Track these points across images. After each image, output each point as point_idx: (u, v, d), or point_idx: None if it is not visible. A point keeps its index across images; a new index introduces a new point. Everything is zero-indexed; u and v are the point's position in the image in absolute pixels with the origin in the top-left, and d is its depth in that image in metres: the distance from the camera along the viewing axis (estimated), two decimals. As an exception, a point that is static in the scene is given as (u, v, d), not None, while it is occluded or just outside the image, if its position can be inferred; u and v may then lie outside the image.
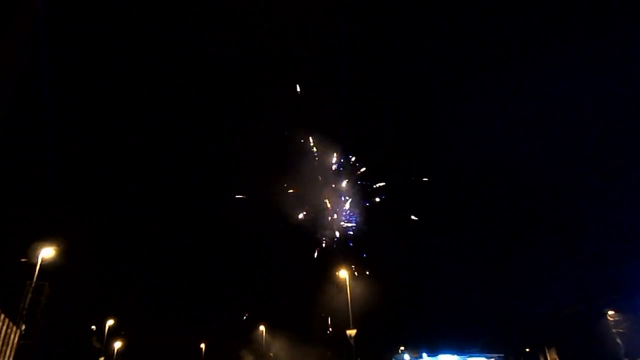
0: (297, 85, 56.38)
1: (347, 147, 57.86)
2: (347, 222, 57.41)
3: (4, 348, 20.73)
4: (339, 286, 38.88)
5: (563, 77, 44.77)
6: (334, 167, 58.15)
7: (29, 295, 24.30)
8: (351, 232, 57.93)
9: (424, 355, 41.45)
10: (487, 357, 37.36)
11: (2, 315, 20.23)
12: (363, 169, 58.33)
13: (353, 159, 58.48)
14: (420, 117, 61.92)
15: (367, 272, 52.28)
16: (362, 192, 58.48)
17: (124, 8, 44.14)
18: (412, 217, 56.54)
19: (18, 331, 22.68)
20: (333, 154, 57.75)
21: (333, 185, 58.07)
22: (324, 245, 57.51)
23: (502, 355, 38.72)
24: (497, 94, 53.28)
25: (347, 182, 58.36)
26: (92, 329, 46.77)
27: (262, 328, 56.57)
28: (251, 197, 55.15)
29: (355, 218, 57.61)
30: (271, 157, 55.50)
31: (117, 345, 51.02)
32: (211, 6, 50.51)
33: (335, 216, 58.04)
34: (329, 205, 57.47)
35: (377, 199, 57.87)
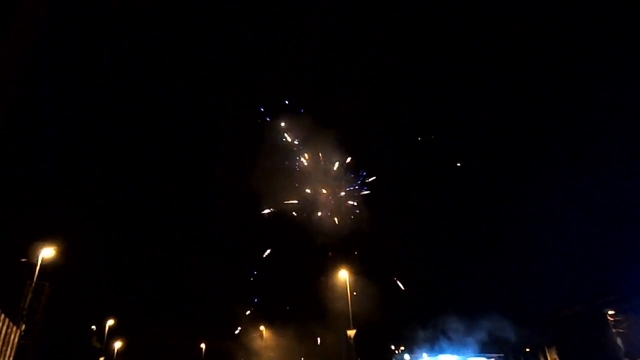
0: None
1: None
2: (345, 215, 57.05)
3: (4, 348, 20.74)
4: (337, 286, 38.96)
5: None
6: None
7: (29, 295, 24.31)
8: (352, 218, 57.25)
9: (424, 355, 41.49)
10: (487, 357, 37.36)
11: (2, 315, 20.24)
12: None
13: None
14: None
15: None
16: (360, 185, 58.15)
17: (125, 8, 44.17)
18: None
19: (18, 331, 22.69)
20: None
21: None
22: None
23: (502, 355, 38.70)
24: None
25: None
26: (92, 329, 46.81)
27: (262, 328, 56.64)
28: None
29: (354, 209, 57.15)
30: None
31: (117, 345, 51.06)
32: (212, 8, 50.63)
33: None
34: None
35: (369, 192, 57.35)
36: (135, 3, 42.77)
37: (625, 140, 38.54)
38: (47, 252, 25.46)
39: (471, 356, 36.93)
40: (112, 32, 44.46)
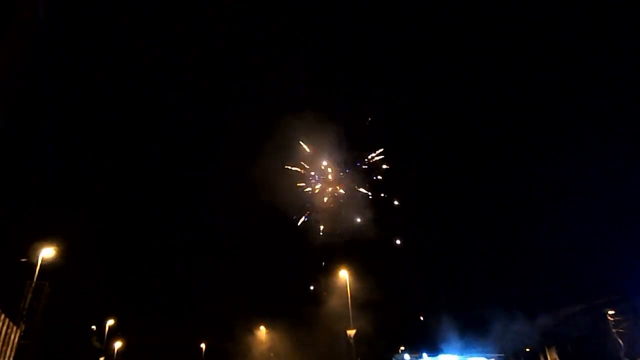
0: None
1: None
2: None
3: (4, 348, 20.76)
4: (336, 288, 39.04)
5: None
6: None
7: (29, 295, 24.32)
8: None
9: (424, 355, 41.50)
10: (487, 357, 37.36)
11: (2, 315, 20.26)
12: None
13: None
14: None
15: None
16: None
17: (125, 7, 44.19)
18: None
19: (18, 331, 22.70)
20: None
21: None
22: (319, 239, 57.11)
23: (502, 355, 38.69)
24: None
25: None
26: (92, 329, 46.83)
27: (262, 328, 56.64)
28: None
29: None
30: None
31: (117, 345, 51.06)
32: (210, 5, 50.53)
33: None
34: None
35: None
36: (135, 2, 42.85)
37: (627, 141, 38.56)
38: (47, 252, 25.49)
39: (471, 356, 36.94)
40: (112, 31, 44.51)
